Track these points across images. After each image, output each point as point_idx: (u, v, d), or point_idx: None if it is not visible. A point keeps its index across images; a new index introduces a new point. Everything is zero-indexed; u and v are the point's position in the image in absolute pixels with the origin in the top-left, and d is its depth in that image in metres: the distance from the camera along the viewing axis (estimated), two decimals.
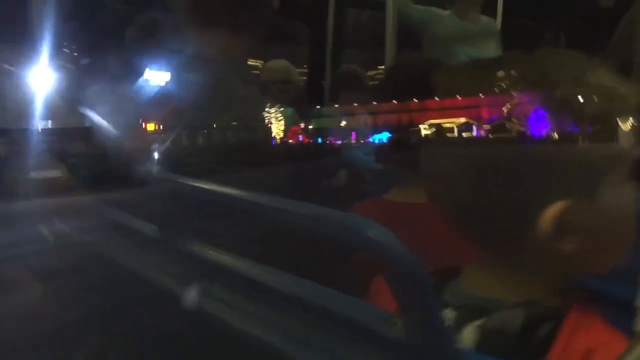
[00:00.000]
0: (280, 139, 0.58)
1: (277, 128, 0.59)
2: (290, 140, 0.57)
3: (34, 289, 0.74)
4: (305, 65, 2.86)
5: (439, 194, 0.59)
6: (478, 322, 0.52)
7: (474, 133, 0.56)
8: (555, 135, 0.50)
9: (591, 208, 0.52)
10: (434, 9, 2.29)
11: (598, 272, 0.55)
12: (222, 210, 0.66)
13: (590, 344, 0.50)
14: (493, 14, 2.68)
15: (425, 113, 0.64)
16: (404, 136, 0.59)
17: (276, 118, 0.60)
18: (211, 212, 0.70)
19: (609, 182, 0.53)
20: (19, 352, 0.66)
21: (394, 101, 0.70)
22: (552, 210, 0.50)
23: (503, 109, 0.53)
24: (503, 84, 0.52)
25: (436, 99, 0.63)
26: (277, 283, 0.54)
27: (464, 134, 0.57)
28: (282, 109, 0.60)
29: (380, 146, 1.09)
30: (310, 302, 0.49)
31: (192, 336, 0.58)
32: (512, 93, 0.53)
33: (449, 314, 0.54)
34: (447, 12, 2.30)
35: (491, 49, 2.35)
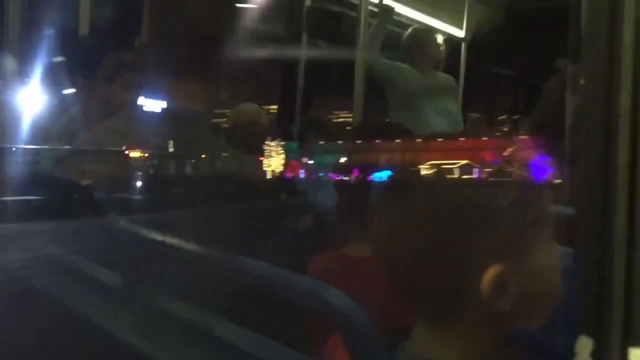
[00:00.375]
0: (280, 172, 0.57)
1: (277, 162, 0.59)
2: (292, 175, 0.56)
3: None
4: (274, 106, 2.90)
5: (379, 248, 0.59)
6: None
7: (475, 175, 0.56)
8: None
9: (525, 269, 0.54)
10: (400, 64, 2.37)
11: (532, 326, 0.57)
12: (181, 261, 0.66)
13: None
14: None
15: (429, 153, 0.64)
16: (402, 175, 0.58)
17: (276, 152, 0.59)
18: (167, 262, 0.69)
19: (538, 243, 0.55)
20: None
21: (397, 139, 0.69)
22: (491, 273, 0.52)
23: (504, 153, 0.54)
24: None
25: (439, 139, 0.64)
26: (236, 339, 0.54)
27: (463, 176, 0.57)
28: (283, 142, 0.59)
29: (341, 193, 1.10)
30: None
31: None
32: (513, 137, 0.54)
33: None
34: (406, 66, 2.38)
35: (452, 104, 2.45)
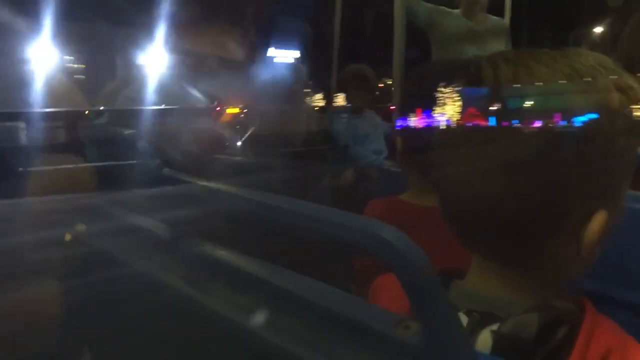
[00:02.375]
0: (456, 122, 0.54)
1: (453, 110, 0.55)
2: (467, 124, 0.53)
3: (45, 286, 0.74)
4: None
5: (451, 191, 0.57)
6: (493, 327, 0.51)
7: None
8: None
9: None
10: (442, 8, 2.28)
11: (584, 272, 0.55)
12: (230, 210, 0.66)
13: (607, 346, 0.49)
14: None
15: None
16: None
17: (452, 99, 0.55)
18: (220, 212, 0.69)
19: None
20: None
21: None
22: (598, 223, 0.50)
23: None
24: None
25: None
26: (286, 284, 0.53)
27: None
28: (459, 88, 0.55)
29: (397, 146, 1.08)
30: (320, 305, 0.49)
31: (203, 339, 0.58)
32: None
33: (462, 318, 0.53)
34: (456, 11, 2.29)
35: (499, 47, 2.34)
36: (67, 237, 0.68)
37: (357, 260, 1.02)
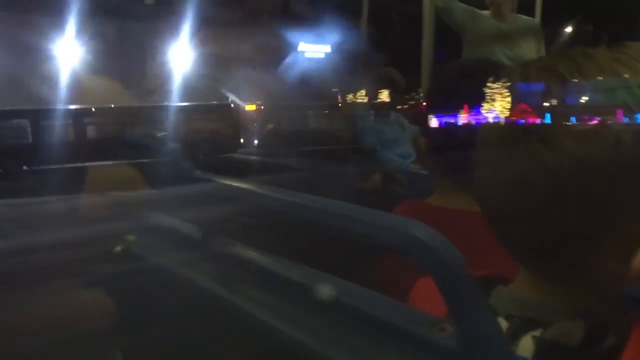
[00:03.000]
0: (506, 118, 0.50)
1: (502, 106, 0.52)
2: (519, 120, 0.49)
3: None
4: None
5: (491, 200, 0.53)
6: (535, 333, 0.49)
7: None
8: None
9: None
10: (474, 9, 2.26)
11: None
12: (259, 210, 0.66)
13: None
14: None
15: None
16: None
17: (501, 94, 0.52)
18: (249, 212, 0.69)
19: None
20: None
21: None
22: None
23: None
24: None
25: None
26: (320, 286, 0.53)
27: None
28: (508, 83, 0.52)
29: (422, 150, 1.06)
30: (355, 307, 0.48)
31: (235, 339, 0.57)
32: None
33: (501, 323, 0.52)
34: (486, 12, 2.26)
35: (530, 49, 2.30)
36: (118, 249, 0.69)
37: (388, 261, 1.00)
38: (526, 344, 0.49)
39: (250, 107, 1.27)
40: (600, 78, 0.47)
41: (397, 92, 2.46)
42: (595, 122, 0.45)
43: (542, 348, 0.48)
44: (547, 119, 0.47)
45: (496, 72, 0.51)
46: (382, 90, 2.39)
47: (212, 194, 0.65)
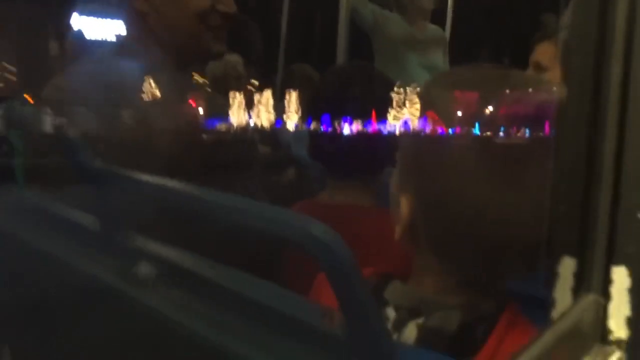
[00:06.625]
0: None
1: (411, 113, 0.53)
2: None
3: None
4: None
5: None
6: (419, 321, 0.55)
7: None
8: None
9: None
10: (385, 11, 2.29)
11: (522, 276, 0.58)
12: (163, 203, 0.65)
13: (521, 344, 0.53)
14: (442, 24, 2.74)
15: None
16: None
17: (410, 100, 0.53)
18: (151, 204, 0.68)
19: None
20: None
21: None
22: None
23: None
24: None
25: None
26: (220, 278, 0.54)
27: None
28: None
29: (315, 144, 1.07)
30: (251, 298, 0.50)
31: (134, 333, 0.57)
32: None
33: (390, 313, 0.56)
34: (395, 15, 2.29)
35: (439, 59, 2.40)
36: None
37: (288, 254, 1.01)
38: (411, 330, 0.55)
39: None
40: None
41: (311, 86, 2.49)
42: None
43: (424, 334, 0.53)
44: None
45: (379, 78, 0.55)
46: (299, 87, 2.41)
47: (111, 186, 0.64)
